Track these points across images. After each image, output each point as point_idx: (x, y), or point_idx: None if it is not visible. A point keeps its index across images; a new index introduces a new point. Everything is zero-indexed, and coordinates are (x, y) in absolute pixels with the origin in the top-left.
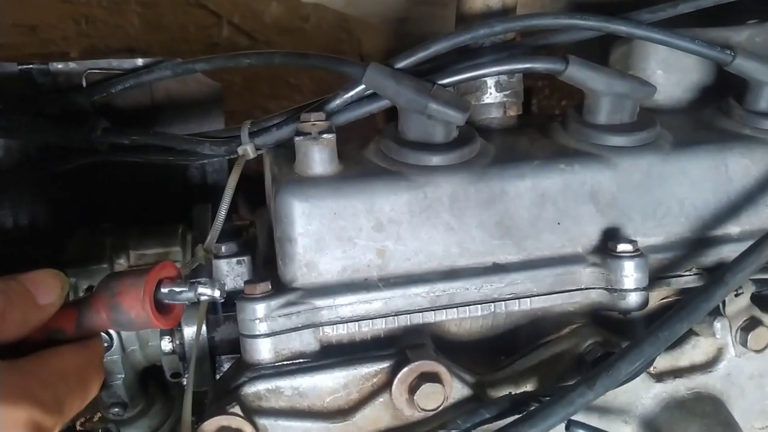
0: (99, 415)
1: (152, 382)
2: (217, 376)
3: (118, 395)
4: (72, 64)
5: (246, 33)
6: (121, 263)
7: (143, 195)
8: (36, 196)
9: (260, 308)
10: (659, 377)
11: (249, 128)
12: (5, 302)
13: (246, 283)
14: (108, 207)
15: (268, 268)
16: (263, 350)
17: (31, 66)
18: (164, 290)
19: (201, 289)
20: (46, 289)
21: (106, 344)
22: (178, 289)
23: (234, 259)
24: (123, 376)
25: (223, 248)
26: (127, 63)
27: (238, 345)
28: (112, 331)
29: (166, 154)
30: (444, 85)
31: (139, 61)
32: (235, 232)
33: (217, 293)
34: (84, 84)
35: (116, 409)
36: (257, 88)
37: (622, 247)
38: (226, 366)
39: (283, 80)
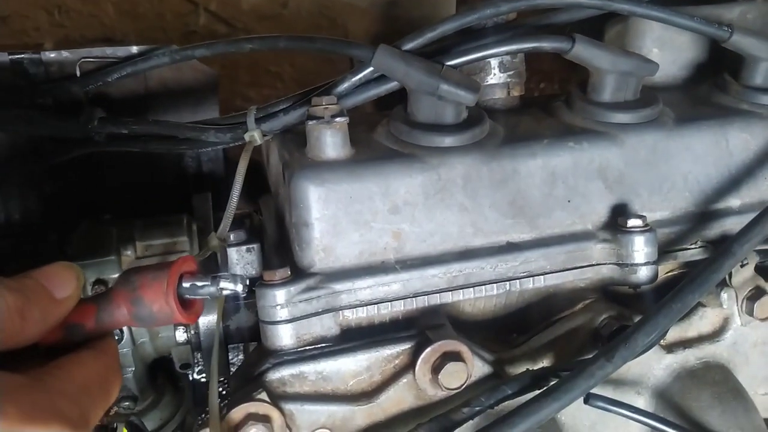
0: (115, 409)
1: (161, 373)
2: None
3: (129, 388)
4: (65, 53)
5: (224, 20)
6: (128, 254)
7: (138, 185)
8: (28, 189)
9: (280, 294)
10: (669, 348)
11: (255, 114)
12: (23, 301)
13: (265, 269)
14: (102, 198)
15: (279, 255)
16: (285, 336)
17: (22, 56)
18: (186, 285)
19: (223, 283)
20: (62, 282)
21: (116, 338)
22: (200, 284)
23: (243, 247)
24: (133, 368)
25: (232, 236)
26: (121, 51)
27: (252, 333)
28: None
29: (167, 143)
30: (452, 67)
31: (134, 49)
32: (239, 220)
33: (239, 287)
34: (78, 73)
35: (127, 403)
36: (236, 76)
37: (632, 222)
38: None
39: (263, 68)
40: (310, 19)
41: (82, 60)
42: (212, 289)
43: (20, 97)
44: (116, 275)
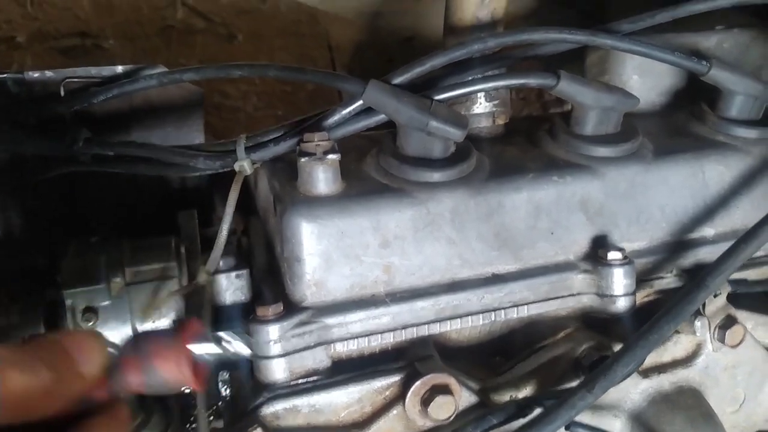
0: None
1: None
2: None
3: None
4: (48, 73)
5: (202, 15)
6: (117, 281)
7: (122, 197)
8: (11, 205)
9: (274, 330)
10: (645, 373)
11: (245, 143)
12: (55, 378)
13: (258, 305)
14: (85, 212)
15: (268, 283)
16: (278, 370)
17: (4, 75)
18: (196, 351)
19: (229, 347)
20: (90, 356)
21: None
22: (211, 351)
23: (233, 273)
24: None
25: (221, 263)
26: (106, 71)
27: (240, 362)
28: None
29: (154, 167)
30: (441, 101)
31: (119, 69)
32: (228, 241)
33: (247, 351)
34: (62, 94)
35: None
36: None
37: (612, 255)
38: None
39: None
40: (289, 15)
41: (66, 80)
42: (220, 352)
43: (3, 115)
44: (106, 303)
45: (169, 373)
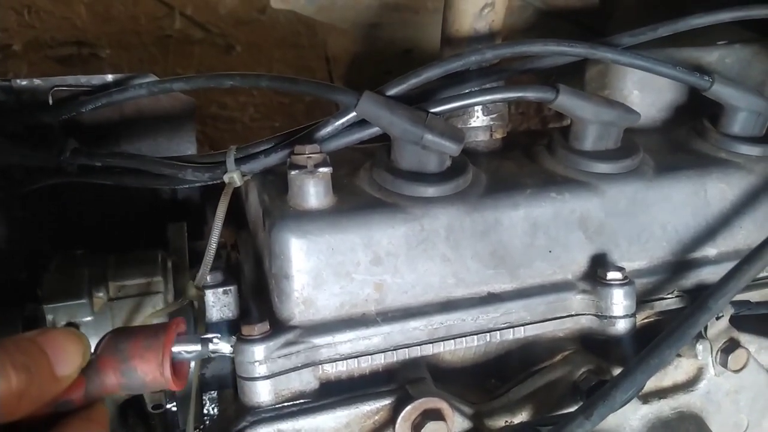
0: None
1: (131, 412)
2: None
3: None
4: (37, 81)
5: (200, 25)
6: (101, 296)
7: (113, 209)
8: None
9: (259, 350)
10: (645, 399)
11: (235, 154)
12: (27, 380)
13: (243, 323)
14: (73, 224)
15: (256, 299)
16: (263, 392)
17: None
18: (176, 350)
19: (213, 346)
20: (67, 357)
21: None
22: (190, 349)
23: (220, 290)
24: None
25: (209, 278)
26: (95, 79)
27: (228, 380)
28: None
29: (142, 179)
30: (437, 113)
31: (109, 77)
32: (216, 255)
33: (228, 349)
34: (50, 102)
35: None
36: None
37: (612, 275)
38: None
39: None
40: (288, 26)
41: (55, 88)
42: (203, 351)
43: None
44: (88, 318)
45: (149, 376)
